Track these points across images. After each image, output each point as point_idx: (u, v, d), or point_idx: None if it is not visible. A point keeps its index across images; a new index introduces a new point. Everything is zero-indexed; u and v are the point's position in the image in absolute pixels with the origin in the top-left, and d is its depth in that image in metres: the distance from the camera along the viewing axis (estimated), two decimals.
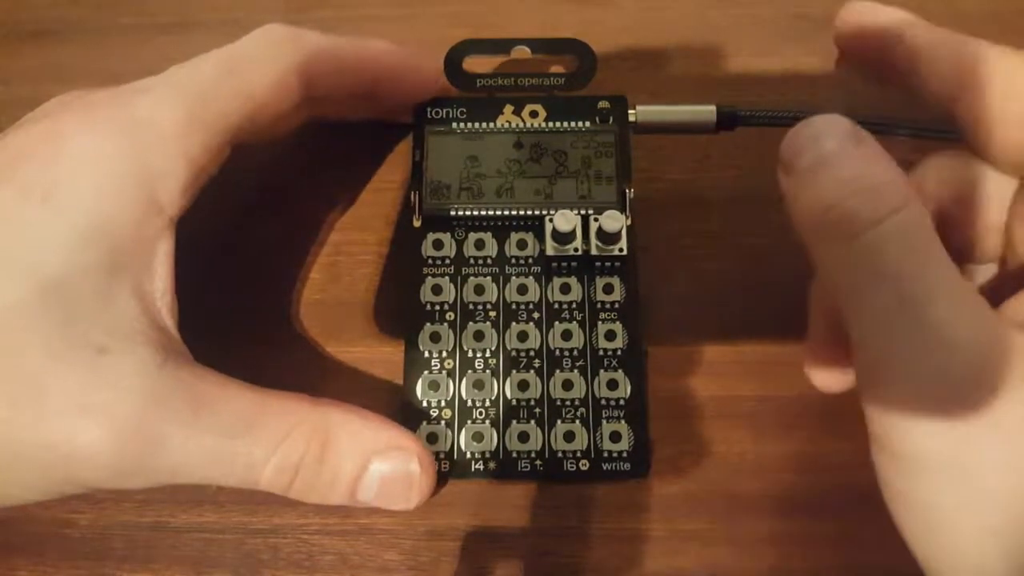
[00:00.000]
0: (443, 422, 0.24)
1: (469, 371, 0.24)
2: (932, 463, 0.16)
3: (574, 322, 0.24)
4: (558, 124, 0.26)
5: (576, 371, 0.24)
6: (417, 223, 0.26)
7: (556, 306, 0.25)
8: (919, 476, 0.17)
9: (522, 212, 0.25)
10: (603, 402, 0.24)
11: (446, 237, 0.25)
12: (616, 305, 0.25)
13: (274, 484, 0.20)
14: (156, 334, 0.20)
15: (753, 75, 0.30)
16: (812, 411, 0.25)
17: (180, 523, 0.24)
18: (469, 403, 0.24)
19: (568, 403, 0.24)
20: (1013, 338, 0.16)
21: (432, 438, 0.23)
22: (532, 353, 0.24)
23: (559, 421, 0.23)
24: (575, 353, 0.24)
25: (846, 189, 0.17)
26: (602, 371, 0.24)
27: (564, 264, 0.25)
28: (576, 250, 0.25)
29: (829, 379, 0.23)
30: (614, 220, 0.24)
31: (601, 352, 0.24)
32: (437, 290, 0.25)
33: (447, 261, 0.25)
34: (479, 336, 0.24)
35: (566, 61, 0.28)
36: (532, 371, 0.24)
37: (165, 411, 0.19)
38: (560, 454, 0.23)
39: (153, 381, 0.19)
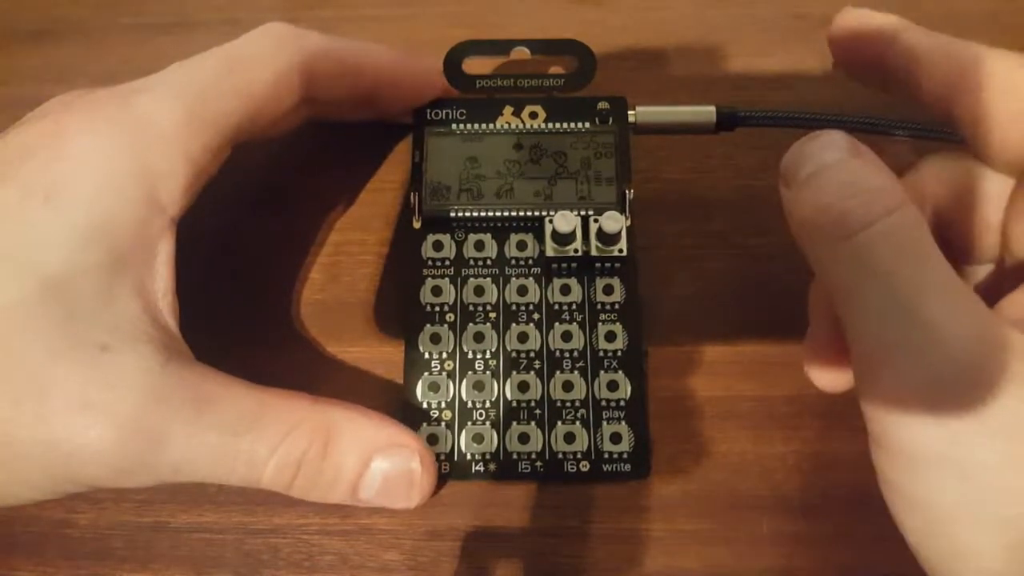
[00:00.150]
0: (443, 423, 0.24)
1: (469, 372, 0.24)
2: (928, 458, 0.17)
3: (574, 323, 0.24)
4: (558, 125, 0.26)
5: (576, 372, 0.24)
6: (417, 224, 0.26)
7: (556, 307, 0.25)
8: (916, 472, 0.17)
9: (522, 213, 0.25)
10: (603, 403, 0.24)
11: (446, 238, 0.26)
12: (616, 306, 0.25)
13: (276, 482, 0.20)
14: (158, 333, 0.20)
15: (753, 75, 0.30)
16: (812, 411, 0.25)
17: (180, 523, 0.24)
18: (469, 404, 0.24)
19: (568, 404, 0.24)
20: (1008, 336, 0.16)
21: (432, 439, 0.23)
22: (532, 354, 0.24)
23: (559, 422, 0.23)
24: (575, 354, 0.24)
25: (841, 192, 0.17)
26: (602, 372, 0.24)
27: (564, 265, 0.25)
28: (576, 251, 0.25)
29: (829, 379, 0.23)
30: (614, 221, 0.24)
31: (601, 353, 0.24)
32: (437, 291, 0.25)
33: (447, 262, 0.25)
34: (479, 337, 0.24)
35: (565, 62, 0.28)
36: (532, 372, 0.24)
37: (167, 409, 0.19)
38: (560, 455, 0.23)
39: (155, 379, 0.19)
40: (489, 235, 0.26)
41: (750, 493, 0.24)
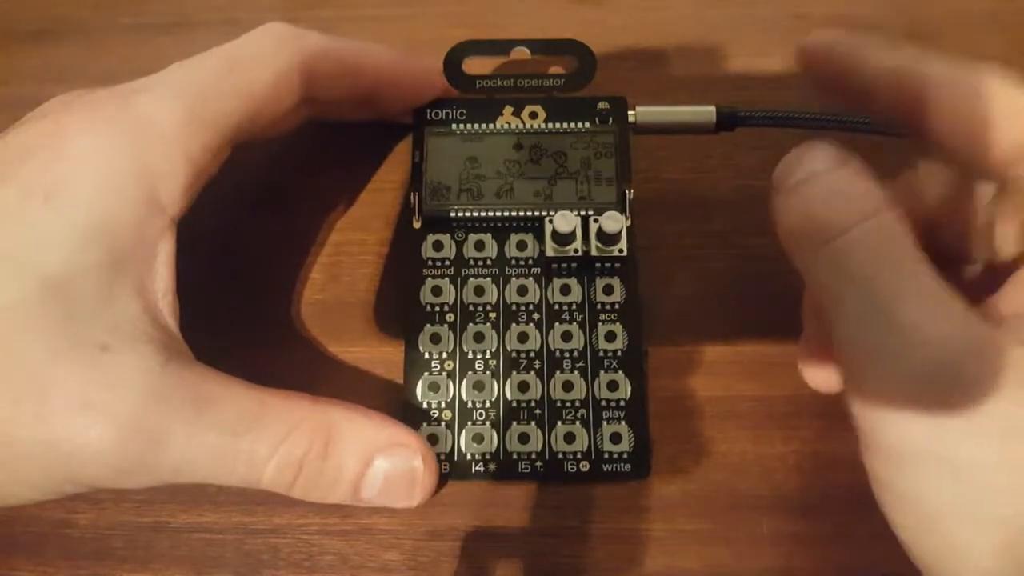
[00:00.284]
0: (443, 423, 0.24)
1: (469, 372, 0.24)
2: (915, 455, 0.17)
3: (574, 323, 0.24)
4: (558, 125, 0.26)
5: (576, 372, 0.24)
6: (417, 224, 0.26)
7: (556, 307, 0.25)
8: (904, 468, 0.17)
9: (522, 213, 0.25)
10: (603, 403, 0.24)
11: (446, 238, 0.26)
12: (616, 306, 0.25)
13: (276, 482, 0.20)
14: (158, 333, 0.20)
15: (753, 75, 0.30)
16: (812, 411, 0.25)
17: (180, 523, 0.24)
18: (469, 404, 0.24)
19: (568, 404, 0.24)
20: (988, 335, 0.17)
21: (432, 439, 0.23)
22: (532, 354, 0.24)
23: (559, 422, 0.23)
24: (575, 354, 0.24)
25: (823, 200, 0.18)
26: (602, 372, 0.24)
27: (564, 265, 0.25)
28: (576, 251, 0.25)
29: (823, 379, 0.23)
30: (614, 221, 0.24)
31: (601, 353, 0.24)
32: (437, 291, 0.25)
33: (447, 262, 0.25)
34: (479, 337, 0.24)
35: (565, 62, 0.28)
36: (532, 372, 0.24)
37: (167, 409, 0.19)
38: (560, 455, 0.23)
39: (155, 379, 0.19)
40: (489, 235, 0.26)
41: (750, 493, 0.24)
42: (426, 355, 0.24)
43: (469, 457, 0.23)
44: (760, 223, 0.27)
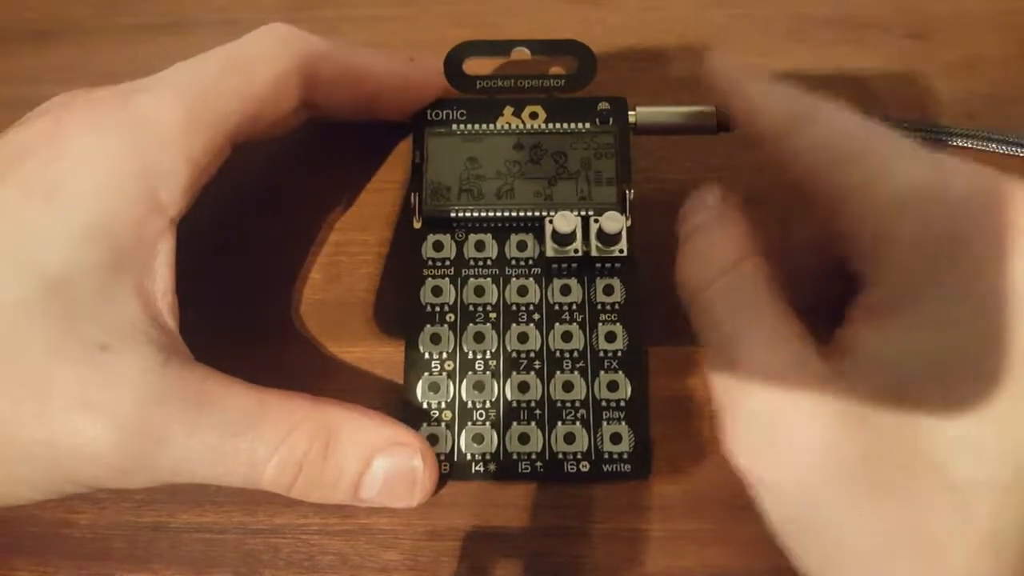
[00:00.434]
0: (443, 424, 0.24)
1: (469, 373, 0.24)
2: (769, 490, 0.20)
3: (574, 323, 0.24)
4: (558, 125, 0.26)
5: (576, 372, 0.24)
6: (417, 224, 0.26)
7: (556, 307, 0.25)
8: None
9: (522, 213, 0.25)
10: (603, 403, 0.24)
11: (446, 239, 0.26)
12: (616, 306, 0.25)
13: (277, 483, 0.20)
14: (157, 333, 0.20)
15: None
16: None
17: (180, 523, 0.24)
18: (469, 405, 0.24)
19: (568, 404, 0.24)
20: (811, 374, 0.19)
21: (432, 440, 0.23)
22: (532, 355, 0.24)
23: (559, 423, 0.23)
24: (575, 354, 0.24)
25: (693, 258, 0.22)
26: (602, 372, 0.24)
27: (564, 265, 0.25)
28: (576, 251, 0.25)
29: None
30: (614, 221, 0.24)
31: (601, 353, 0.24)
32: (437, 292, 0.25)
33: (447, 263, 0.25)
34: (479, 338, 0.24)
35: (566, 62, 0.28)
36: (532, 373, 0.24)
37: (167, 409, 0.19)
38: (560, 456, 0.23)
39: (155, 379, 0.19)
40: (489, 235, 0.26)
41: (750, 493, 0.24)
42: (426, 355, 0.24)
43: (469, 457, 0.23)
44: (760, 224, 0.27)
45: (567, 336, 0.24)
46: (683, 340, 0.26)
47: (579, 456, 0.23)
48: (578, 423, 0.23)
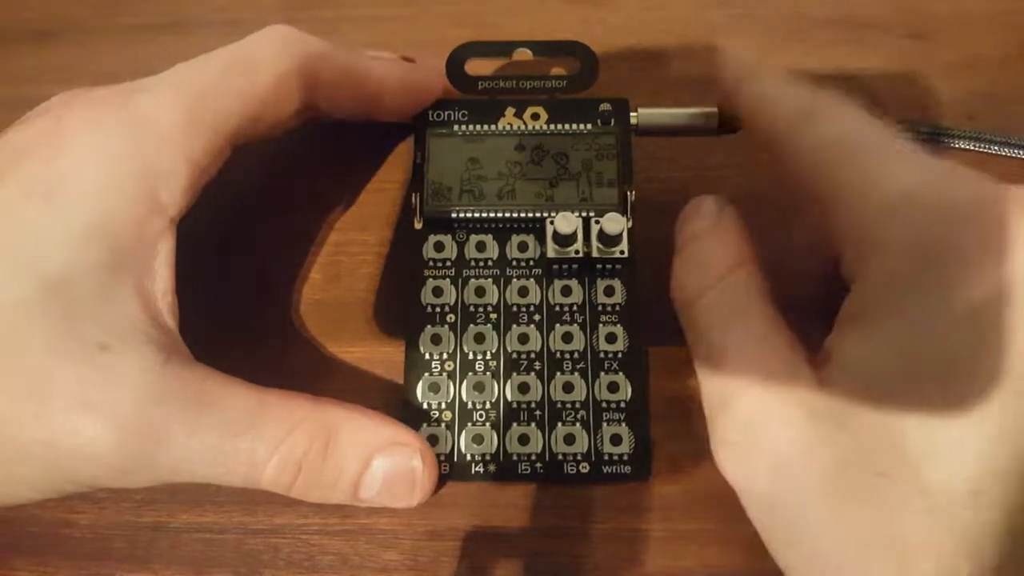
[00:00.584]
0: (443, 424, 0.24)
1: (470, 373, 0.24)
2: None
3: (575, 324, 0.24)
4: (559, 126, 0.26)
5: (577, 373, 0.24)
6: (418, 225, 0.26)
7: (557, 308, 0.25)
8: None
9: (523, 214, 0.25)
10: (604, 404, 0.24)
11: (447, 239, 0.25)
12: (617, 307, 0.25)
13: (276, 482, 0.20)
14: (157, 333, 0.20)
15: None
16: None
17: (180, 523, 0.24)
18: (469, 405, 0.24)
19: (569, 405, 0.24)
20: (803, 387, 0.19)
21: (432, 440, 0.23)
22: (533, 355, 0.24)
23: (559, 424, 0.23)
24: (576, 355, 0.24)
25: (687, 268, 0.22)
26: (603, 373, 0.24)
27: (565, 266, 0.25)
28: (577, 252, 0.25)
29: None
30: (615, 222, 0.24)
31: (602, 354, 0.24)
32: (438, 292, 0.25)
33: (448, 263, 0.25)
34: (480, 338, 0.24)
35: (567, 63, 0.28)
36: (533, 373, 0.24)
37: (167, 409, 0.19)
38: (560, 457, 0.23)
39: (155, 379, 0.19)
40: (490, 236, 0.26)
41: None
42: (426, 356, 0.24)
43: (469, 458, 0.23)
44: (761, 224, 0.27)
45: (567, 337, 0.24)
46: (683, 341, 0.26)
47: (579, 457, 0.23)
48: (578, 424, 0.23)
